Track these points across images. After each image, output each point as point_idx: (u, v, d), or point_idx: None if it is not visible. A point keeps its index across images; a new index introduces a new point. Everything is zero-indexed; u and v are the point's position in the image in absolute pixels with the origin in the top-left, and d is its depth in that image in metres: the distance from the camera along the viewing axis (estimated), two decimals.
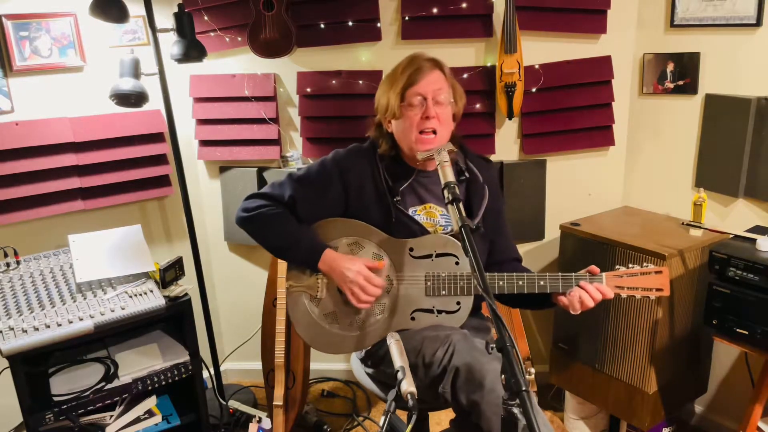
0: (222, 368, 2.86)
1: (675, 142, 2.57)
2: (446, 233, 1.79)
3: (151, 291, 2.12)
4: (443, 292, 1.73)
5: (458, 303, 1.73)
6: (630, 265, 1.70)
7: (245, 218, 1.79)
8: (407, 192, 1.82)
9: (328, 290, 1.80)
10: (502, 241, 1.89)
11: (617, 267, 1.70)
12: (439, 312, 1.74)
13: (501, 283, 1.69)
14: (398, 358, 1.39)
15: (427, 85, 1.72)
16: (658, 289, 1.67)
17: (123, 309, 2.01)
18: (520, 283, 1.68)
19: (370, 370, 1.90)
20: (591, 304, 1.63)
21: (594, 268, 1.68)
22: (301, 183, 1.80)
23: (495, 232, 1.86)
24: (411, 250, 1.75)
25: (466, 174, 1.83)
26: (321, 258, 1.74)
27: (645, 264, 1.70)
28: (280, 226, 1.76)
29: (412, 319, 1.75)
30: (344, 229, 1.80)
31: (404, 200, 1.81)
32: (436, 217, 1.84)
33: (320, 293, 1.80)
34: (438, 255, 1.73)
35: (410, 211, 1.81)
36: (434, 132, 1.73)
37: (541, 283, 1.68)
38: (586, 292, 1.64)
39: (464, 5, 2.54)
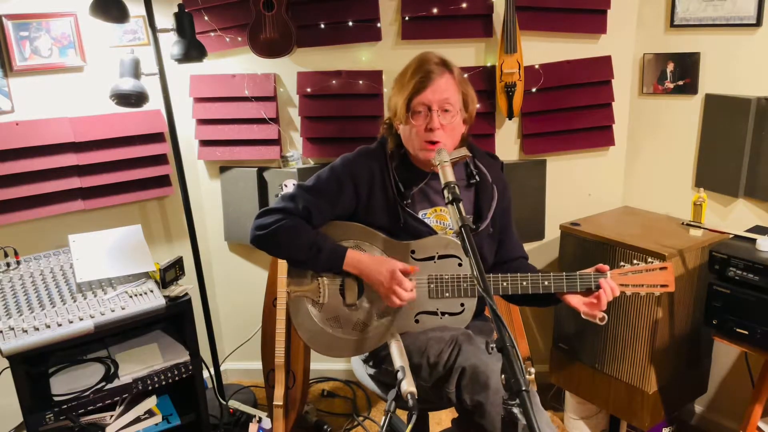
0: (222, 368, 2.85)
1: (675, 142, 2.57)
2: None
3: (151, 291, 2.12)
4: (446, 294, 1.72)
5: (462, 305, 1.73)
6: (635, 262, 1.70)
7: (261, 236, 1.73)
8: (417, 195, 1.80)
9: (330, 294, 1.79)
10: (509, 240, 1.89)
11: (622, 264, 1.70)
12: (443, 314, 1.73)
13: (505, 284, 1.69)
14: (398, 358, 1.40)
15: (433, 94, 1.67)
16: (662, 285, 1.66)
17: (123, 309, 2.01)
18: (524, 284, 1.68)
19: (371, 371, 1.90)
20: (604, 306, 1.63)
21: (603, 266, 1.68)
22: (312, 192, 1.76)
23: (503, 231, 1.87)
24: (413, 252, 1.74)
25: (476, 177, 1.82)
26: (345, 261, 1.72)
27: (649, 260, 1.70)
28: (298, 238, 1.72)
29: (416, 321, 1.75)
30: (345, 233, 1.79)
31: (414, 203, 1.79)
32: (447, 220, 1.82)
33: (323, 297, 1.79)
34: (440, 257, 1.73)
35: (420, 215, 1.80)
36: (438, 142, 1.70)
37: (545, 283, 1.67)
38: (603, 291, 1.63)
39: (464, 5, 2.54)
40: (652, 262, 1.69)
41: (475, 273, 1.29)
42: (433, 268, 1.73)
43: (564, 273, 1.67)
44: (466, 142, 1.84)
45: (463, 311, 1.73)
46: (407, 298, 1.68)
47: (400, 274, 1.67)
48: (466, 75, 2.56)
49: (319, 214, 1.75)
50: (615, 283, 1.65)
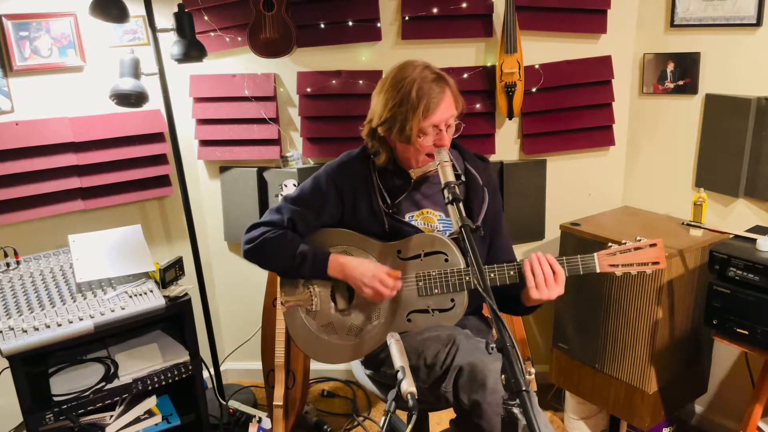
0: (222, 368, 2.86)
1: (675, 142, 2.57)
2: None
3: (151, 291, 2.12)
4: (436, 291, 1.72)
5: (452, 300, 1.72)
6: (624, 241, 1.67)
7: (250, 249, 1.79)
8: (403, 200, 1.81)
9: (322, 301, 1.80)
10: (500, 243, 1.88)
11: (609, 245, 1.68)
12: (434, 311, 1.73)
13: (492, 275, 1.67)
14: (398, 358, 1.39)
15: (442, 114, 1.67)
16: (654, 263, 1.63)
17: (123, 309, 2.01)
18: (512, 273, 1.66)
19: (370, 372, 1.90)
20: (541, 274, 1.59)
21: None
22: (297, 204, 1.80)
23: (494, 233, 1.86)
24: (399, 252, 1.75)
25: (463, 177, 1.81)
26: (328, 266, 1.75)
27: (638, 238, 1.66)
28: (283, 249, 1.75)
29: (409, 321, 1.75)
30: (335, 239, 1.80)
31: (400, 208, 1.80)
32: (434, 222, 1.82)
33: (315, 305, 1.81)
34: (426, 254, 1.73)
35: (407, 218, 1.80)
36: None
37: (511, 273, 1.65)
38: (538, 262, 1.60)
39: (464, 5, 2.54)
40: (642, 239, 1.65)
41: (475, 272, 1.29)
42: (420, 266, 1.73)
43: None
44: (453, 143, 1.83)
45: (453, 306, 1.72)
46: (391, 286, 1.68)
47: (383, 274, 1.69)
48: (465, 75, 2.60)
49: (304, 224, 1.78)
50: (543, 258, 1.61)
